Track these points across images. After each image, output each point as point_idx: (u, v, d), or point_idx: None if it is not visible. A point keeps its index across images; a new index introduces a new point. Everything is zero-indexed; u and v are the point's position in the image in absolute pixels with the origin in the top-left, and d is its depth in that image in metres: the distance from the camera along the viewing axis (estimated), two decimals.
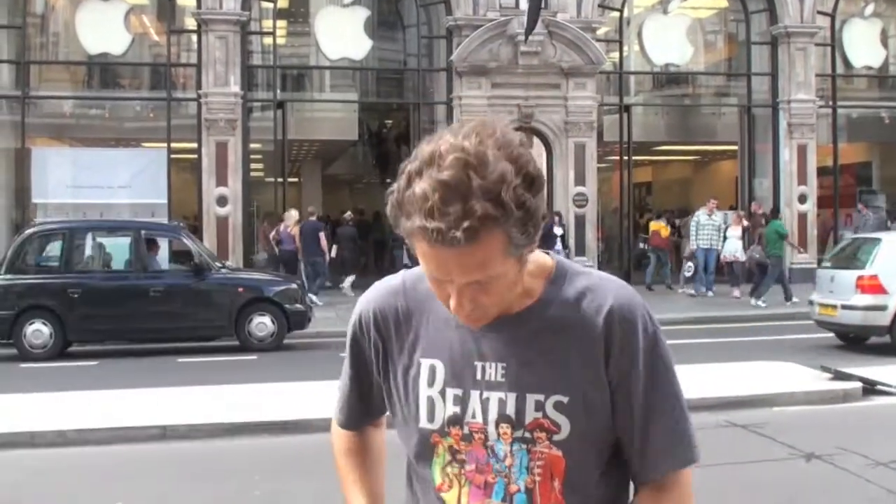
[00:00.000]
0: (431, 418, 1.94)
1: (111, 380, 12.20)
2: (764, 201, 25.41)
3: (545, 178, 1.82)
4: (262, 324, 15.76)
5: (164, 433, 9.27)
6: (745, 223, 22.97)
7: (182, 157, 24.46)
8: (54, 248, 15.95)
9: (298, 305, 16.17)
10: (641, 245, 25.35)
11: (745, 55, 26.36)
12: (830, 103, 26.33)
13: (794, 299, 19.94)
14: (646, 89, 27.84)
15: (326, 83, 27.97)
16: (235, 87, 22.85)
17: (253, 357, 14.94)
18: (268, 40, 24.95)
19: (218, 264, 16.97)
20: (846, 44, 26.58)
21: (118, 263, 16.45)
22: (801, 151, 25.35)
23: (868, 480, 7.31)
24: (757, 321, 18.36)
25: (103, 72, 25.10)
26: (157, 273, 16.55)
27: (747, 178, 26.36)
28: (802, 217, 25.21)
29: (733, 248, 22.03)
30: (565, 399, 1.85)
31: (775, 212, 22.54)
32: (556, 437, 1.86)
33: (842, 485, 7.28)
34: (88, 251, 16.44)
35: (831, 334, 15.17)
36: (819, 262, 25.10)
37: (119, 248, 16.46)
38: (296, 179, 32.03)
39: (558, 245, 21.85)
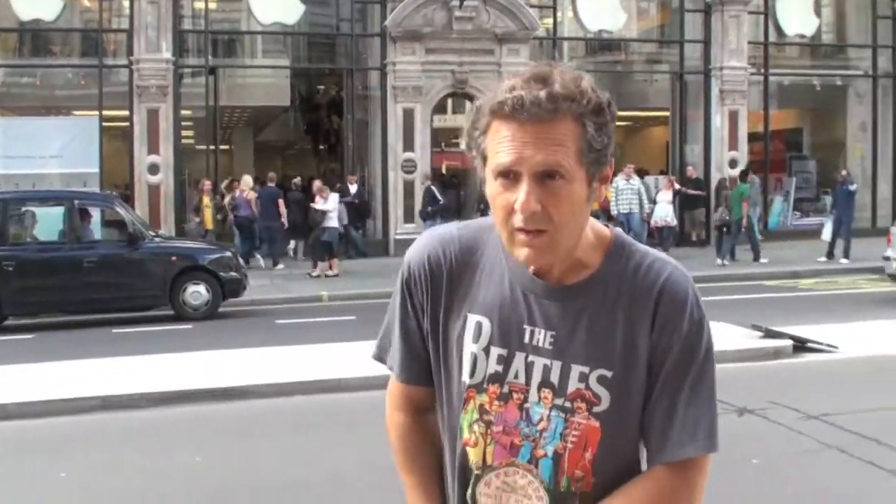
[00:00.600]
0: (472, 373, 1.94)
1: (48, 352, 12.05)
2: (695, 167, 25.72)
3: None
4: (197, 292, 15.67)
5: (104, 404, 9.21)
6: (677, 187, 23.24)
7: (113, 125, 24.12)
8: None
9: (233, 273, 16.09)
10: None
11: (679, 22, 26.56)
12: (762, 71, 26.69)
13: (764, 259, 20.70)
14: (579, 55, 27.93)
15: (258, 48, 27.69)
16: (167, 53, 22.55)
17: (188, 326, 14.86)
18: (199, 4, 24.57)
19: (151, 233, 16.82)
20: (779, 12, 26.93)
21: (52, 234, 16.17)
22: (733, 118, 25.69)
23: (800, 432, 7.51)
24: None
25: (35, 38, 24.63)
26: (90, 243, 16.39)
27: (678, 143, 26.66)
28: (733, 182, 25.51)
29: (664, 213, 22.32)
30: (609, 374, 1.87)
31: (744, 175, 22.88)
32: (595, 409, 1.88)
33: (774, 437, 7.47)
34: (22, 223, 16.20)
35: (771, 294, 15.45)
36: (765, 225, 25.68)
37: (52, 219, 16.18)
38: (227, 146, 31.74)
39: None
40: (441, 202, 21.11)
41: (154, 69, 22.43)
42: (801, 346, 10.96)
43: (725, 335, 11.55)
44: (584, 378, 1.88)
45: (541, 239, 1.79)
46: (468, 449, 1.97)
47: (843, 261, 20.72)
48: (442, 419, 2.06)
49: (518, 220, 1.78)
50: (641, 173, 24.52)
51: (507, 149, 1.77)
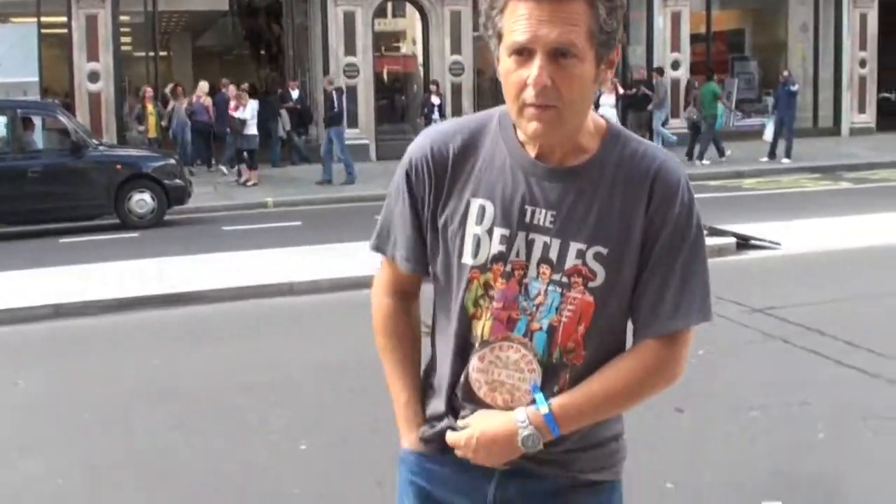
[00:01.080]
0: (476, 254, 2.00)
1: None
2: (635, 69, 25.76)
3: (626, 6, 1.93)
4: (142, 200, 15.57)
5: (57, 311, 9.20)
6: (620, 90, 23.27)
7: (52, 32, 23.50)
8: None
9: (177, 181, 15.98)
10: None
11: None
12: None
13: (728, 152, 21.41)
14: None
15: None
16: None
17: (134, 235, 14.77)
18: None
19: (95, 142, 16.58)
20: None
21: None
22: (675, 19, 25.69)
23: (744, 325, 7.72)
24: None
25: None
26: (34, 153, 16.16)
27: (621, 45, 26.55)
28: (675, 83, 25.61)
29: (608, 116, 22.25)
30: (605, 251, 1.95)
31: (710, 74, 23.19)
32: (591, 284, 1.96)
33: (720, 330, 7.59)
34: None
35: (715, 194, 15.64)
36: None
37: None
38: (166, 53, 31.16)
39: (436, 114, 21.65)
40: (335, 110, 20.72)
41: None
42: (744, 243, 11.17)
43: None
44: (581, 255, 1.96)
45: (549, 113, 1.87)
46: (474, 322, 2.04)
47: (785, 160, 21.02)
48: (440, 305, 2.12)
49: (529, 95, 1.86)
50: None
51: (524, 27, 1.83)
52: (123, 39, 24.40)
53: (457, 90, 24.31)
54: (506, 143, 2.02)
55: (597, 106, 22.18)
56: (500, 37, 1.90)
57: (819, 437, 5.42)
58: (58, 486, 5.15)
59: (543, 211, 1.97)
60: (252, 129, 20.42)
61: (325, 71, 23.60)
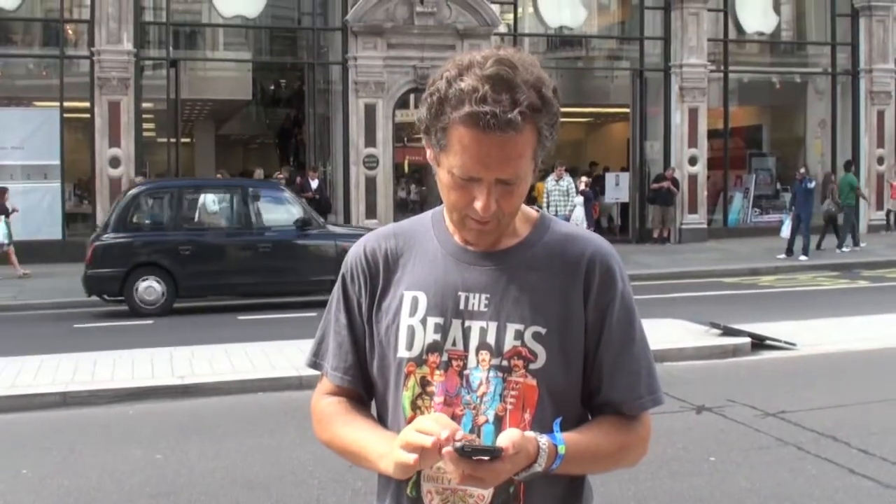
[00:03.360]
0: (410, 346, 1.99)
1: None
2: (654, 163, 25.91)
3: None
4: None
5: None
6: (582, 188, 23.01)
7: (75, 117, 23.84)
8: (160, 207, 16.49)
9: None
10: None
11: (639, 19, 26.71)
12: (722, 68, 26.90)
13: (863, 244, 22.83)
14: (540, 51, 27.92)
15: (220, 41, 27.45)
16: (128, 45, 22.39)
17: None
18: None
19: (320, 220, 17.14)
20: (738, 9, 27.12)
21: (225, 221, 16.75)
22: (693, 115, 25.87)
23: (757, 430, 7.59)
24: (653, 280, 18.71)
25: None
26: (262, 229, 16.46)
27: (639, 140, 26.78)
28: (693, 178, 25.75)
29: (578, 215, 22.14)
30: (543, 330, 1.95)
31: (848, 165, 24.45)
32: (532, 366, 1.94)
33: (732, 434, 7.55)
34: (196, 209, 16.76)
35: (731, 291, 15.59)
36: (708, 222, 25.91)
37: (225, 206, 16.71)
38: (189, 139, 31.55)
39: None
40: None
41: (115, 61, 22.26)
42: (759, 343, 11.07)
43: (684, 332, 11.67)
44: (519, 336, 1.96)
45: (490, 225, 1.94)
46: None
47: (803, 258, 20.96)
48: (381, 414, 2.08)
49: (475, 214, 1.92)
50: (576, 171, 24.98)
51: (472, 159, 1.86)
52: (146, 125, 24.75)
53: None
54: (437, 236, 2.05)
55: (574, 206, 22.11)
56: (440, 146, 1.91)
57: None
58: None
59: (477, 295, 1.98)
60: None
61: (346, 161, 23.83)
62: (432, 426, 1.81)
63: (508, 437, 1.81)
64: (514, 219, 1.98)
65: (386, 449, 1.92)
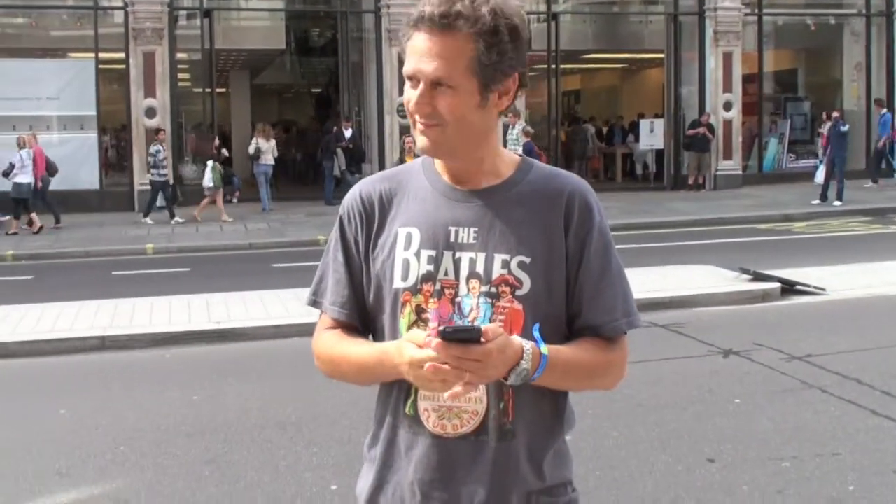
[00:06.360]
0: (405, 277, 2.14)
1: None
2: (689, 109, 25.74)
3: (530, 37, 2.11)
4: None
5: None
6: (522, 123, 22.78)
7: (110, 68, 23.99)
8: None
9: None
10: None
11: None
12: (757, 11, 26.52)
13: None
14: None
15: None
16: None
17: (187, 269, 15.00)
18: None
19: None
20: None
21: None
22: (727, 59, 25.58)
23: (783, 373, 7.67)
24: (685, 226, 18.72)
25: None
26: None
27: (673, 85, 26.56)
28: (728, 124, 25.54)
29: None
30: (528, 259, 2.11)
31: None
32: (518, 293, 2.10)
33: (758, 377, 7.63)
34: None
35: (763, 237, 15.53)
36: (743, 168, 25.72)
37: None
38: (224, 89, 31.66)
39: None
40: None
41: (149, 11, 22.30)
42: (789, 288, 11.10)
43: (715, 278, 11.73)
44: (506, 265, 2.11)
45: (434, 131, 2.09)
46: None
47: (837, 203, 20.79)
48: (382, 338, 2.21)
49: (414, 110, 2.10)
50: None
51: (411, 59, 2.08)
52: (181, 76, 24.83)
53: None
54: (427, 177, 2.21)
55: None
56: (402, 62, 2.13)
57: (849, 489, 5.38)
58: None
59: (467, 229, 2.14)
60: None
61: (380, 110, 23.86)
62: (419, 333, 1.99)
63: (487, 326, 1.96)
64: (464, 132, 2.09)
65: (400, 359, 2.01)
